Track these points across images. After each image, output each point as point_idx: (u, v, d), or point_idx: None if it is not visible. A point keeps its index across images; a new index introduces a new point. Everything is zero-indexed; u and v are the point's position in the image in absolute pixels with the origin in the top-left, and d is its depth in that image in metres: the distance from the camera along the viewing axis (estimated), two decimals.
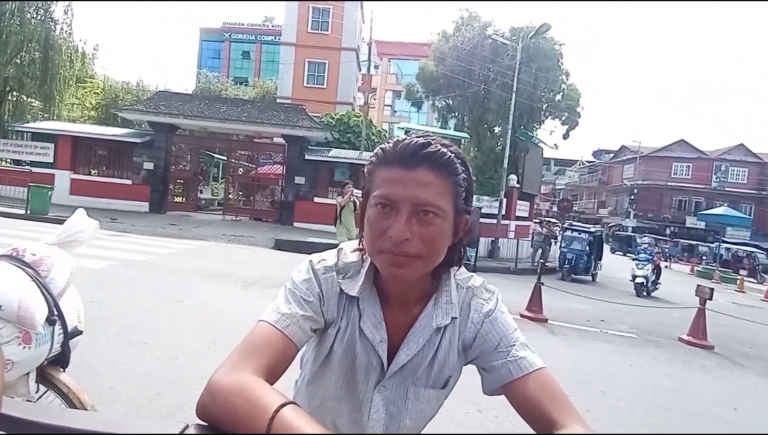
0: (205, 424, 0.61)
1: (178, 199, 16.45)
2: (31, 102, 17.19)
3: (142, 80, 27.44)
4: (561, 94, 20.40)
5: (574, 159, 54.91)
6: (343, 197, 8.26)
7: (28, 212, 10.84)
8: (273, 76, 32.71)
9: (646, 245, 12.71)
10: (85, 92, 23.11)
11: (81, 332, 1.63)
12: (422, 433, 0.89)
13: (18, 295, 1.33)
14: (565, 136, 21.93)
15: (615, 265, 17.98)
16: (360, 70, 31.47)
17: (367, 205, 0.78)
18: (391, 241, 0.72)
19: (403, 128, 19.06)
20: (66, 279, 1.58)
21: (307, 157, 15.20)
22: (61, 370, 1.56)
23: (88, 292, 5.04)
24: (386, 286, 0.83)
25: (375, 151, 0.79)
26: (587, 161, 53.74)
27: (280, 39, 30.59)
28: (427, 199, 0.72)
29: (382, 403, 0.84)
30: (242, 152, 17.52)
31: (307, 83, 27.64)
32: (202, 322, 4.60)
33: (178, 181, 16.48)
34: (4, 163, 15.76)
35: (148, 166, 14.66)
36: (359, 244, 0.85)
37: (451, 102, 22.71)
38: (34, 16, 16.01)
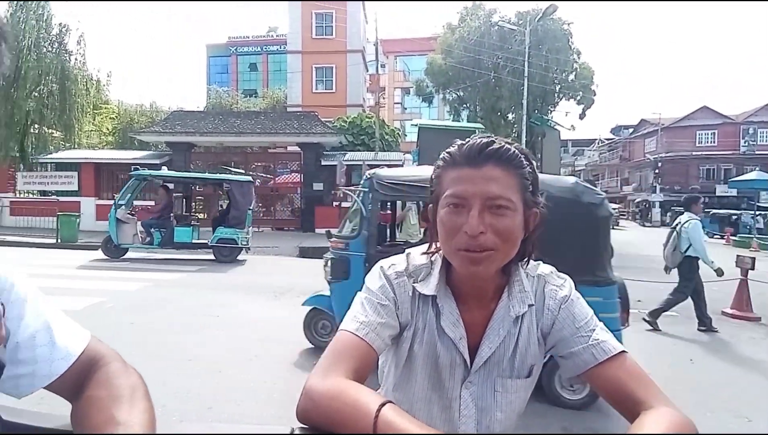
0: (306, 426, 0.66)
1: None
2: (52, 132, 17.66)
3: (155, 102, 28.01)
4: (574, 73, 20.04)
5: (592, 138, 53.87)
6: (404, 203, 7.45)
7: (58, 241, 11.13)
8: (282, 85, 32.95)
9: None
10: (102, 118, 23.66)
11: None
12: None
13: None
14: (582, 116, 21.53)
15: (640, 241, 17.54)
16: (367, 71, 31.49)
17: (438, 207, 0.80)
18: (466, 236, 0.74)
19: (415, 125, 19.01)
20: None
21: (323, 162, 15.28)
22: None
23: (126, 314, 5.15)
24: (460, 283, 0.84)
25: (441, 156, 0.83)
26: (606, 139, 52.68)
27: (285, 48, 30.81)
28: (497, 192, 0.75)
29: (471, 399, 0.85)
30: (259, 164, 17.67)
31: (316, 89, 27.78)
32: (240, 334, 4.65)
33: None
34: (31, 195, 16.24)
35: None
36: (428, 248, 0.87)
37: (462, 93, 22.54)
38: (50, 49, 16.44)
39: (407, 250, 0.90)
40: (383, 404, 0.61)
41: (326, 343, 2.62)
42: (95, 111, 20.60)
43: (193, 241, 9.95)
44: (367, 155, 16.45)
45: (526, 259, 0.85)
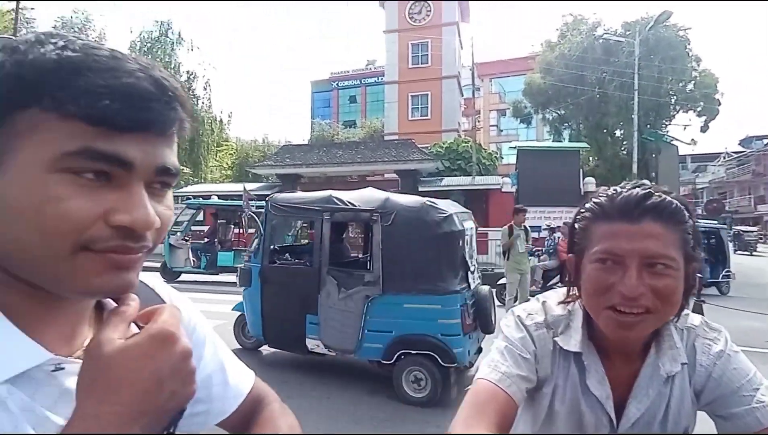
0: None
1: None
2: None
3: (267, 136, 30.69)
4: (693, 83, 18.29)
5: (717, 152, 48.09)
6: (512, 228, 6.92)
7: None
8: (379, 114, 34.27)
9: None
10: (223, 154, 26.46)
11: None
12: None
13: None
14: (704, 129, 19.46)
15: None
16: (462, 95, 31.58)
17: (584, 260, 0.77)
18: (620, 295, 0.70)
19: (514, 147, 18.56)
20: None
21: (420, 188, 15.47)
22: None
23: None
24: (605, 339, 0.80)
25: (588, 206, 0.79)
26: (734, 152, 46.65)
27: (383, 79, 32.16)
28: (658, 250, 0.70)
29: None
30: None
31: (412, 116, 28.45)
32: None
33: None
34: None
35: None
36: (565, 297, 0.85)
37: (563, 112, 21.65)
38: None
39: (542, 299, 0.88)
40: None
41: (250, 345, 4.10)
42: (217, 148, 23.09)
43: (235, 264, 10.52)
44: (464, 180, 16.36)
45: (678, 315, 0.79)
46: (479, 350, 4.34)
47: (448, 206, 4.19)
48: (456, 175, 17.66)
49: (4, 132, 0.40)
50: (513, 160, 21.95)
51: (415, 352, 3.83)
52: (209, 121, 19.54)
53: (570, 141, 22.46)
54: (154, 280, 0.61)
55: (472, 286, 4.14)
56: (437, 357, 3.72)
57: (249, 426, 0.66)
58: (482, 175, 18.32)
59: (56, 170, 0.40)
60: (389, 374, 3.97)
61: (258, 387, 0.69)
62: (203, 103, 19.42)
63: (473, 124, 24.01)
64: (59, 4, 35.04)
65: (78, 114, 0.39)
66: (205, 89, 19.47)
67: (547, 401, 0.83)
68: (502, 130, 39.52)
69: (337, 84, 42.78)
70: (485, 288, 4.35)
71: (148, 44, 18.46)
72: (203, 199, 13.28)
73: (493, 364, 0.79)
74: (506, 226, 7.13)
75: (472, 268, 4.24)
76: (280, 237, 6.13)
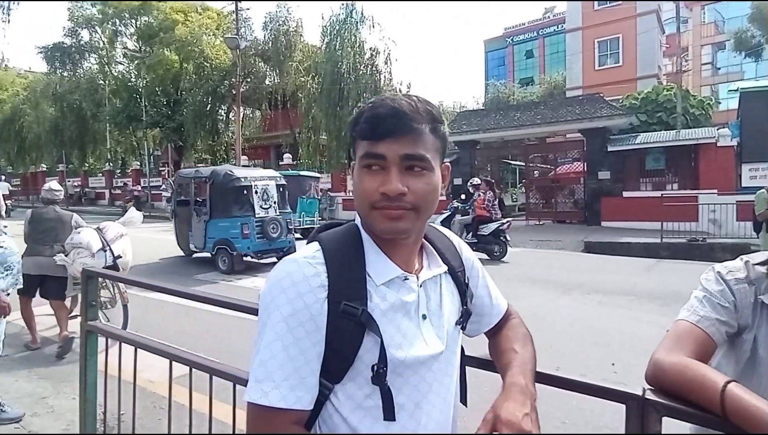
0: (653, 389, 0.87)
1: None
2: None
3: (442, 102, 31.12)
4: None
5: None
6: None
7: None
8: (560, 68, 31.61)
9: None
10: None
11: (121, 256, 4.29)
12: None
13: (89, 239, 4.12)
14: None
15: None
16: (663, 33, 26.96)
17: None
18: None
19: (735, 90, 15.34)
20: (115, 235, 4.34)
21: (609, 148, 14.09)
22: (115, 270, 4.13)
23: None
24: None
25: None
26: None
27: (563, 27, 29.37)
28: None
29: None
30: (537, 154, 17.59)
31: (599, 66, 25.54)
32: (533, 325, 4.96)
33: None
34: None
35: (457, 181, 16.52)
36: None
37: None
38: (365, 71, 20.38)
39: (745, 258, 1.01)
40: (729, 381, 0.75)
41: (182, 251, 8.78)
42: None
43: None
44: (665, 135, 14.26)
45: None
46: (266, 250, 8.36)
47: (243, 172, 8.69)
48: (655, 130, 15.48)
49: (354, 152, 0.82)
50: (734, 105, 18.14)
51: (222, 247, 8.11)
52: (391, 94, 20.70)
53: None
54: (451, 234, 0.98)
55: (258, 215, 8.11)
56: (229, 248, 8.03)
57: (501, 328, 0.98)
58: (690, 127, 15.69)
59: (361, 167, 0.79)
60: (215, 259, 8.33)
61: (509, 307, 1.02)
62: (385, 77, 20.57)
63: (678, 65, 20.36)
64: (268, 3, 40.62)
65: (361, 135, 0.79)
66: (386, 63, 20.56)
67: (749, 346, 0.96)
68: (719, 69, 32.59)
69: (512, 39, 40.58)
70: (271, 216, 8.29)
71: (336, 27, 20.21)
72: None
73: (692, 309, 0.96)
74: (763, 190, 5.91)
75: (263, 205, 8.30)
76: (184, 193, 9.44)
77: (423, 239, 0.89)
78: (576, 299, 6.13)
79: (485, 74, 41.95)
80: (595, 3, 25.29)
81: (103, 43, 28.65)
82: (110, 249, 4.23)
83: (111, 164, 31.72)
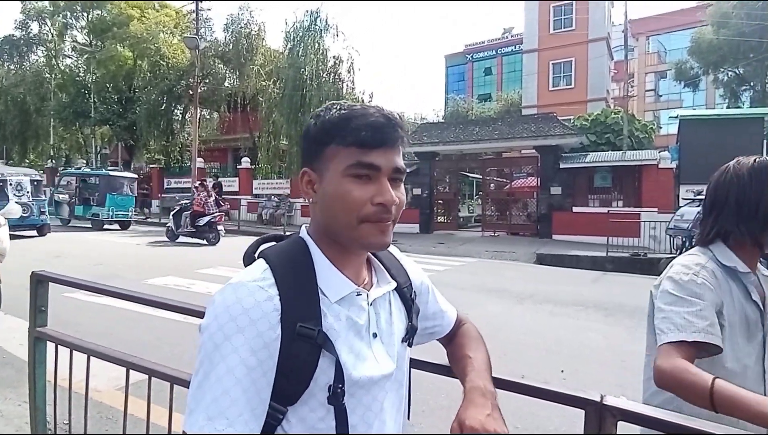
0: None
1: (441, 219, 18.16)
2: None
3: (403, 114, 31.47)
4: None
5: None
6: None
7: None
8: (516, 86, 32.82)
9: None
10: None
11: None
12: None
13: None
14: None
15: None
16: (612, 59, 28.60)
17: None
18: None
19: (675, 116, 16.48)
20: None
21: (561, 165, 14.75)
22: None
23: None
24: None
25: None
26: None
27: (521, 48, 30.59)
28: None
29: None
30: (494, 168, 18.17)
31: (553, 86, 26.74)
32: (489, 333, 5.09)
33: (439, 201, 18.24)
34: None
35: (416, 191, 16.77)
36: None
37: (742, 71, 18.43)
38: (327, 79, 20.36)
39: (691, 252, 1.26)
40: (715, 378, 0.93)
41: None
42: None
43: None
44: (612, 155, 15.11)
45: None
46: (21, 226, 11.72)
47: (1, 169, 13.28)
48: (603, 150, 16.36)
49: (322, 160, 0.76)
50: (673, 130, 19.47)
51: None
52: (353, 102, 20.75)
53: (752, 105, 19.06)
54: (394, 249, 0.95)
55: (13, 201, 9.62)
56: None
57: (454, 336, 1.01)
58: (635, 149, 16.68)
59: (345, 176, 0.73)
60: None
61: (459, 314, 1.05)
62: (347, 85, 20.62)
63: (625, 90, 21.66)
64: (230, 4, 39.95)
65: (352, 143, 0.73)
66: (349, 72, 20.64)
67: (723, 319, 1.14)
68: (661, 96, 34.89)
69: (472, 56, 41.76)
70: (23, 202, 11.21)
71: (300, 33, 20.13)
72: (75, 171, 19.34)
73: (687, 328, 1.09)
74: None
75: (16, 194, 11.95)
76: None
77: (370, 254, 0.87)
78: (529, 308, 6.35)
79: (445, 88, 42.91)
80: (551, 27, 26.54)
81: (52, 36, 27.22)
82: None
83: (54, 161, 29.97)
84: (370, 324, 0.79)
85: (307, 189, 0.79)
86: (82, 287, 2.90)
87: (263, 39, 22.26)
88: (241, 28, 21.70)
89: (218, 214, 12.38)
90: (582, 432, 0.92)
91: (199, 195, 12.47)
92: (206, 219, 12.12)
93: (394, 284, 0.86)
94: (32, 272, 2.06)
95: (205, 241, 12.20)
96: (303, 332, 0.70)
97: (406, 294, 0.88)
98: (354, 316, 0.77)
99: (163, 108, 22.93)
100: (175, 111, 24.59)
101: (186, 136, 24.78)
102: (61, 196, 16.89)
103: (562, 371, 3.99)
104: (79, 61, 27.39)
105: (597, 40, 25.51)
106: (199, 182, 13.33)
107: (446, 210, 18.33)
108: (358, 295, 0.78)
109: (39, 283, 1.99)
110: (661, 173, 13.64)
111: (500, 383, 0.93)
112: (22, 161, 30.19)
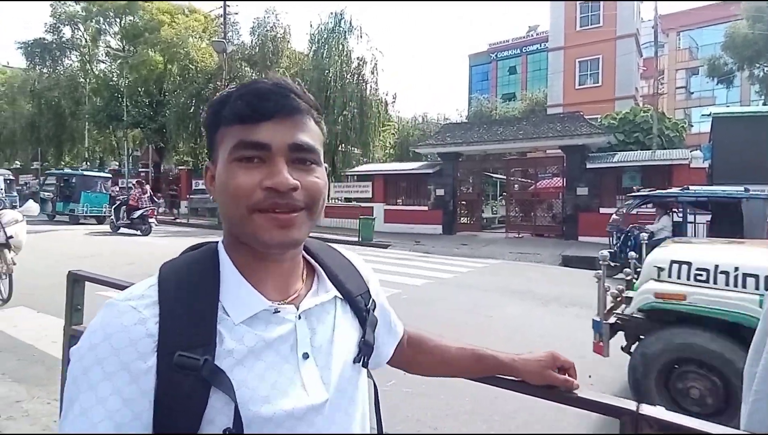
0: None
1: (464, 220, 18.04)
2: (353, 150, 22.03)
3: (426, 114, 31.46)
4: None
5: None
6: None
7: (360, 239, 13.89)
8: (541, 85, 32.37)
9: None
10: (386, 134, 28.09)
11: (12, 237, 5.31)
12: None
13: None
14: None
15: None
16: (641, 56, 27.88)
17: None
18: None
19: (707, 114, 15.94)
20: (10, 219, 5.44)
21: (588, 165, 14.46)
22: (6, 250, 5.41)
23: (412, 306, 6.21)
24: None
25: None
26: None
27: (546, 46, 30.15)
28: None
29: None
30: (518, 169, 17.94)
31: (579, 85, 26.25)
32: (510, 335, 5.09)
33: (462, 202, 18.13)
34: (338, 202, 20.64)
35: (439, 192, 16.73)
36: None
37: None
38: (351, 80, 20.51)
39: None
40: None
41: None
42: (382, 129, 24.61)
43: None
44: (641, 155, 14.73)
45: None
46: None
47: None
48: (632, 150, 15.97)
49: (214, 149, 0.65)
50: (706, 128, 18.87)
51: None
52: (376, 103, 20.84)
53: None
54: (352, 254, 0.83)
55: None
56: None
57: (413, 342, 0.91)
58: (665, 148, 16.23)
59: (231, 161, 0.61)
60: None
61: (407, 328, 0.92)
62: (371, 86, 20.73)
63: (655, 88, 21.07)
64: (257, 7, 40.88)
65: (233, 120, 0.62)
66: (372, 73, 20.75)
67: None
68: (692, 93, 33.81)
69: (496, 55, 41.41)
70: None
71: (324, 35, 20.34)
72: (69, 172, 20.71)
73: None
74: None
75: None
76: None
77: (313, 260, 0.74)
78: (554, 311, 6.27)
79: (469, 88, 42.65)
80: (577, 24, 26.06)
81: (86, 41, 28.19)
82: (3, 230, 5.22)
83: (88, 163, 31.06)
84: (299, 343, 0.64)
85: (210, 186, 0.67)
86: (117, 286, 3.01)
87: (288, 41, 22.59)
88: (267, 31, 22.07)
89: (150, 208, 14.15)
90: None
91: (134, 191, 14.43)
92: (139, 212, 13.85)
93: (334, 293, 0.71)
94: (69, 272, 2.15)
95: (138, 232, 13.87)
96: (182, 363, 0.55)
97: (358, 303, 0.74)
98: (271, 334, 0.62)
99: (191, 111, 23.50)
100: (203, 113, 25.14)
101: None
102: (45, 193, 18.76)
103: (590, 377, 3.92)
104: (113, 66, 28.28)
105: (625, 36, 24.92)
106: (136, 181, 15.95)
107: (469, 211, 18.20)
108: (275, 311, 0.63)
109: (75, 282, 2.08)
110: (692, 173, 13.22)
111: (530, 389, 0.91)
112: (58, 163, 31.41)
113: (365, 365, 0.72)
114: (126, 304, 0.58)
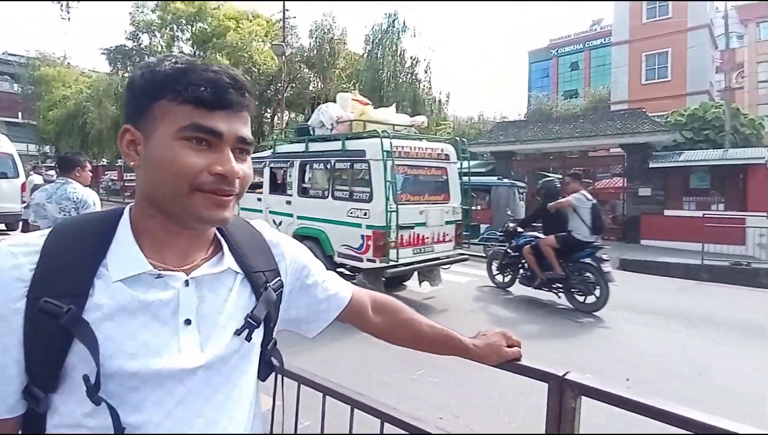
0: None
1: None
2: None
3: (483, 113, 31.06)
4: None
5: None
6: None
7: None
8: (605, 81, 30.97)
9: None
10: (440, 134, 28.05)
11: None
12: None
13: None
14: None
15: None
16: (716, 47, 25.99)
17: None
18: None
19: None
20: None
21: (651, 164, 13.79)
22: None
23: (463, 302, 6.29)
24: None
25: None
26: None
27: (610, 40, 28.78)
28: None
29: None
30: (577, 168, 17.30)
31: (646, 80, 24.87)
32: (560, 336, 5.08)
33: None
34: None
35: None
36: None
37: None
38: (404, 79, 20.70)
39: None
40: None
41: None
42: (437, 128, 24.64)
43: None
44: (712, 154, 13.82)
45: None
46: None
47: None
48: (701, 148, 15.02)
49: (148, 117, 0.65)
50: None
51: None
52: (429, 102, 20.91)
53: None
54: (272, 231, 0.85)
55: None
56: None
57: (374, 309, 0.97)
58: (739, 146, 15.13)
59: (177, 139, 0.63)
60: None
61: (356, 292, 0.95)
62: (424, 85, 20.85)
63: (729, 82, 19.55)
64: (314, 5, 42.10)
65: (188, 100, 0.63)
66: (425, 72, 20.86)
67: None
68: None
69: (557, 51, 40.00)
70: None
71: (379, 36, 20.67)
72: None
73: None
74: None
75: None
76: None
77: (221, 234, 0.77)
78: (601, 314, 6.15)
79: (529, 85, 41.47)
80: (644, 16, 24.72)
81: (162, 47, 30.29)
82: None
83: None
84: (180, 309, 0.67)
85: (129, 150, 0.67)
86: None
87: (344, 43, 23.15)
88: (324, 33, 22.74)
89: None
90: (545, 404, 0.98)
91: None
92: None
93: (226, 266, 0.73)
94: None
95: None
96: (46, 308, 0.60)
97: (257, 279, 0.76)
98: (149, 296, 0.65)
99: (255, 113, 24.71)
100: (266, 114, 26.31)
101: (274, 138, 26.46)
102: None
103: (627, 380, 3.90)
104: None
105: (697, 28, 23.36)
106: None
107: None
108: (158, 277, 0.66)
109: None
110: None
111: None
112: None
113: (248, 339, 0.73)
114: (8, 248, 0.63)
